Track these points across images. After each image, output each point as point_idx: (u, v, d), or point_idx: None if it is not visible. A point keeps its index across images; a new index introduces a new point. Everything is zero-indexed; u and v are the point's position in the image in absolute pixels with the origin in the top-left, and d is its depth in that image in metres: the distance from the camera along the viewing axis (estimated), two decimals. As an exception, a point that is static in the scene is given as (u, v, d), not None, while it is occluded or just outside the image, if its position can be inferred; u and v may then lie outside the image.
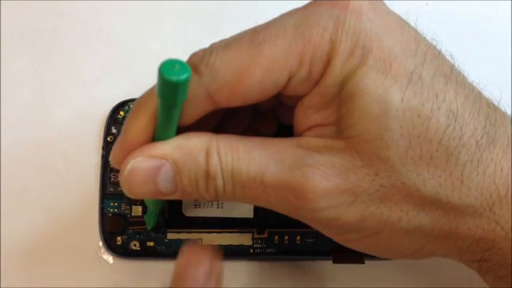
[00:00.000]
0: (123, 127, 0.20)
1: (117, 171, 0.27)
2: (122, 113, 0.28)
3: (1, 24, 0.30)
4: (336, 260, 0.26)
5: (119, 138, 0.20)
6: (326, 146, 0.18)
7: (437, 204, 0.18)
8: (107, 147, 0.28)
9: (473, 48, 0.31)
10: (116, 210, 0.27)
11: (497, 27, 0.32)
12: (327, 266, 0.27)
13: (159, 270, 0.27)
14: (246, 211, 0.27)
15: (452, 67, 0.19)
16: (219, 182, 0.18)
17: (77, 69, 0.30)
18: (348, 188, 0.18)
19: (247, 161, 0.18)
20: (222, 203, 0.27)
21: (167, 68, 0.16)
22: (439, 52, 0.19)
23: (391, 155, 0.17)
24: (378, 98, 0.17)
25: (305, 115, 0.19)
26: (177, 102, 0.17)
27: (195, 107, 0.19)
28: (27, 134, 0.29)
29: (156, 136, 0.19)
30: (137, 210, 0.27)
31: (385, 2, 0.30)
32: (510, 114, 0.20)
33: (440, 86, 0.18)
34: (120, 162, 0.19)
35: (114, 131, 0.28)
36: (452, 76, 0.18)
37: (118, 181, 0.27)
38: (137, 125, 0.19)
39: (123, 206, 0.27)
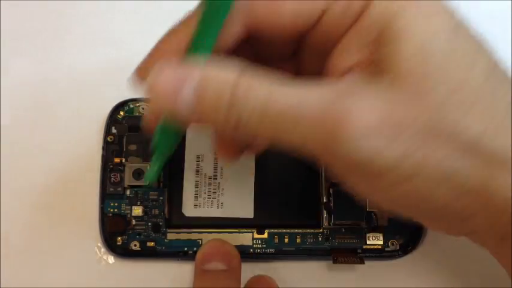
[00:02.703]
0: (157, 41, 0.19)
1: (117, 171, 0.27)
2: (121, 113, 0.28)
3: (1, 24, 0.30)
4: (336, 260, 0.26)
5: (150, 50, 0.19)
6: (369, 83, 0.17)
7: (477, 151, 0.17)
8: (107, 147, 0.28)
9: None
10: (116, 210, 0.27)
11: (497, 27, 0.31)
12: (327, 266, 0.27)
13: (159, 271, 0.27)
14: (246, 211, 0.27)
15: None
16: (243, 111, 0.17)
17: (77, 69, 0.30)
18: (391, 125, 0.17)
19: (282, 93, 0.17)
20: (222, 203, 0.27)
21: None
22: None
23: (436, 96, 0.17)
24: (424, 36, 0.17)
25: (343, 55, 0.19)
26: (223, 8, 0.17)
27: (231, 30, 0.19)
28: (27, 134, 0.29)
29: (190, 50, 0.18)
30: (137, 211, 0.27)
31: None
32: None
33: (480, 38, 0.18)
34: (145, 73, 0.18)
35: (114, 131, 0.28)
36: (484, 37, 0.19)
37: (118, 181, 0.27)
38: (172, 38, 0.19)
39: (123, 206, 0.27)
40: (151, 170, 0.22)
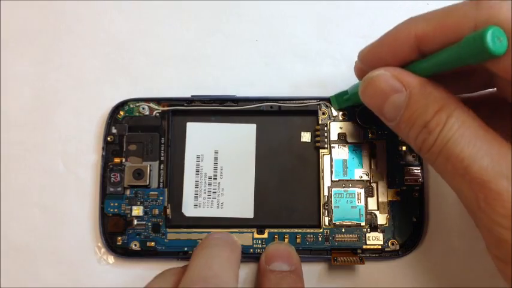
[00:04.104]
0: (390, 33, 0.21)
1: (117, 171, 0.27)
2: (121, 112, 0.28)
3: (1, 24, 0.30)
4: (336, 260, 0.26)
5: (380, 38, 0.22)
6: None
7: None
8: (107, 147, 0.28)
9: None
10: (116, 210, 0.27)
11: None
12: (327, 266, 0.27)
13: (159, 271, 0.27)
14: (246, 211, 0.27)
15: None
16: (431, 140, 0.19)
17: (77, 69, 0.30)
18: None
19: (467, 141, 0.18)
20: (222, 203, 0.27)
21: (494, 37, 0.17)
22: None
23: None
24: None
25: None
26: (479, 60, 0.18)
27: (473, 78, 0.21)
28: (27, 134, 0.29)
29: (411, 65, 0.21)
30: (137, 211, 0.27)
31: (385, 1, 0.30)
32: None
33: None
34: (367, 59, 0.22)
35: (114, 131, 0.28)
36: None
37: (118, 181, 0.27)
38: (406, 44, 0.20)
39: (123, 206, 0.27)
40: (340, 101, 0.27)
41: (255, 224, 0.27)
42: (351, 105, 0.27)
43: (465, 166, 0.18)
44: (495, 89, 0.22)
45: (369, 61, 0.23)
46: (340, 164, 0.27)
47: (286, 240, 0.27)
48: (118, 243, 0.27)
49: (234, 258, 0.24)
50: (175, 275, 0.24)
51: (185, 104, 0.28)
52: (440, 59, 0.19)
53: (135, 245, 0.27)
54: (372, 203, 0.27)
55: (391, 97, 0.20)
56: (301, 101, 0.28)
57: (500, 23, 0.17)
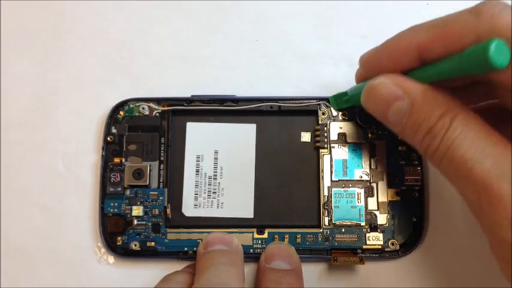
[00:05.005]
0: (391, 40, 0.22)
1: (117, 171, 0.27)
2: (122, 113, 0.28)
3: (1, 24, 0.30)
4: (336, 260, 0.26)
5: (379, 45, 0.22)
6: None
7: None
8: (107, 147, 0.28)
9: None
10: (116, 210, 0.27)
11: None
12: (327, 266, 0.27)
13: (159, 270, 0.27)
14: (246, 211, 0.27)
15: None
16: (435, 143, 0.19)
17: (77, 69, 0.30)
18: None
19: (470, 143, 0.19)
20: (222, 203, 0.27)
21: (497, 50, 0.17)
22: None
23: None
24: None
25: None
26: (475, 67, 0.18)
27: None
28: (27, 134, 0.29)
29: (412, 73, 0.21)
30: (137, 211, 0.27)
31: (385, 1, 0.30)
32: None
33: None
34: (368, 65, 0.23)
35: (114, 131, 0.28)
36: None
37: (118, 181, 0.27)
38: (407, 52, 0.21)
39: (123, 206, 0.27)
40: (338, 101, 0.27)
41: (255, 224, 0.27)
42: (350, 106, 0.27)
43: (468, 168, 0.18)
44: (497, 100, 0.23)
45: (369, 67, 0.23)
46: (340, 164, 0.27)
47: (286, 240, 0.27)
48: (118, 243, 0.27)
49: (240, 273, 0.24)
50: (182, 284, 0.24)
51: (185, 104, 0.28)
52: (442, 69, 0.19)
53: (135, 245, 0.27)
54: (372, 203, 0.27)
55: (394, 104, 0.21)
56: (301, 101, 0.28)
57: (501, 33, 0.17)
